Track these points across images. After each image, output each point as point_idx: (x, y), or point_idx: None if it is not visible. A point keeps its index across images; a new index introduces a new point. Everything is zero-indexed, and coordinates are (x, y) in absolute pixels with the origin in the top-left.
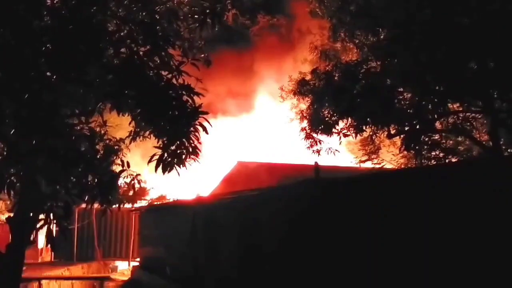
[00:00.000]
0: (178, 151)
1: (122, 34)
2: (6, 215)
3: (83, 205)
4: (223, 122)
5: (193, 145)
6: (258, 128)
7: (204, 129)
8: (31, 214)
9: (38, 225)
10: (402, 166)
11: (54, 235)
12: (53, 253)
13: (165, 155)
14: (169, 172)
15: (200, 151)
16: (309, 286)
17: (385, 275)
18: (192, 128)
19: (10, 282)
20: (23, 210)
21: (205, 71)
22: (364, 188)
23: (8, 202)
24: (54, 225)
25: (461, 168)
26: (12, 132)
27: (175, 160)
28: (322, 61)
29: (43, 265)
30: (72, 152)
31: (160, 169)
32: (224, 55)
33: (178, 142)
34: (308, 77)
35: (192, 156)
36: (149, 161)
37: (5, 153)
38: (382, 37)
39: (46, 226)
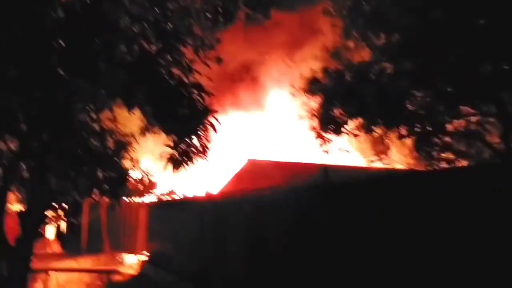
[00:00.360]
0: (188, 150)
1: (134, 31)
2: (16, 205)
3: (93, 198)
4: (233, 118)
5: (202, 144)
6: (268, 125)
7: (214, 128)
8: (41, 210)
9: (47, 221)
10: (412, 167)
11: (64, 230)
12: (62, 245)
13: (175, 153)
14: (178, 170)
15: (209, 149)
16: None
17: (390, 277)
18: (202, 127)
19: (19, 274)
20: (33, 205)
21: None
22: (372, 190)
23: (19, 195)
24: (63, 221)
25: (473, 172)
26: (24, 128)
27: (185, 158)
28: (333, 60)
29: (52, 256)
30: (82, 149)
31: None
32: (233, 46)
33: (187, 141)
34: (319, 75)
35: (201, 155)
36: (159, 159)
37: (17, 149)
38: (395, 38)
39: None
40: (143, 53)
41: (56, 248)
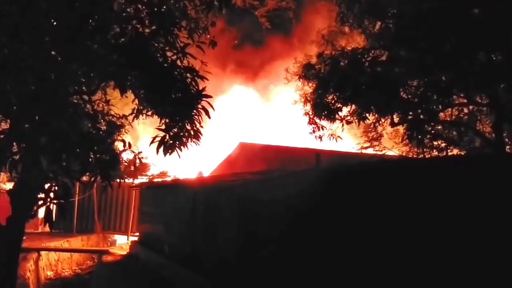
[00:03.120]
0: (180, 134)
1: (128, 12)
2: (8, 184)
3: (85, 178)
4: (227, 101)
5: (195, 128)
6: (261, 109)
7: (207, 113)
8: (32, 191)
9: (38, 203)
10: (404, 154)
11: (54, 213)
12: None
13: (167, 137)
14: (170, 154)
15: (202, 134)
16: (307, 275)
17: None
18: (194, 111)
19: (9, 254)
20: (24, 186)
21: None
22: (367, 178)
23: (9, 175)
24: (54, 204)
25: (466, 161)
26: (16, 109)
27: (177, 142)
28: (328, 46)
29: (43, 235)
30: (74, 132)
31: (161, 150)
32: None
33: (180, 125)
34: (313, 61)
35: (193, 140)
36: (151, 142)
37: (8, 130)
38: (390, 25)
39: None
40: (137, 35)
41: (48, 228)
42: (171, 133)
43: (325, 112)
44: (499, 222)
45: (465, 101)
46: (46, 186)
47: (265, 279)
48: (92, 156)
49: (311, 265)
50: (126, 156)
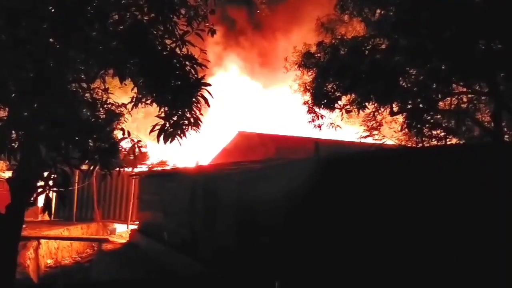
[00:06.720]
0: (180, 122)
1: None
2: (7, 173)
3: (84, 167)
4: (227, 90)
5: (195, 116)
6: (261, 97)
7: (206, 101)
8: (31, 179)
9: (38, 191)
10: (403, 143)
11: (53, 201)
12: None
13: (167, 125)
14: (171, 142)
15: (201, 122)
16: (304, 261)
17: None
18: (194, 99)
19: (9, 242)
20: (23, 174)
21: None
22: (364, 167)
23: (8, 163)
24: (53, 192)
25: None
26: (14, 96)
27: (178, 130)
28: (328, 34)
29: (43, 224)
30: (73, 119)
31: (161, 138)
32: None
33: (180, 113)
34: (313, 49)
35: (193, 127)
36: (151, 130)
37: (6, 118)
38: (390, 13)
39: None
40: (136, 22)
41: (47, 216)
42: (171, 121)
43: (325, 101)
44: (496, 208)
45: (465, 90)
46: (46, 174)
47: (262, 266)
48: (91, 144)
49: (307, 250)
50: (126, 144)
